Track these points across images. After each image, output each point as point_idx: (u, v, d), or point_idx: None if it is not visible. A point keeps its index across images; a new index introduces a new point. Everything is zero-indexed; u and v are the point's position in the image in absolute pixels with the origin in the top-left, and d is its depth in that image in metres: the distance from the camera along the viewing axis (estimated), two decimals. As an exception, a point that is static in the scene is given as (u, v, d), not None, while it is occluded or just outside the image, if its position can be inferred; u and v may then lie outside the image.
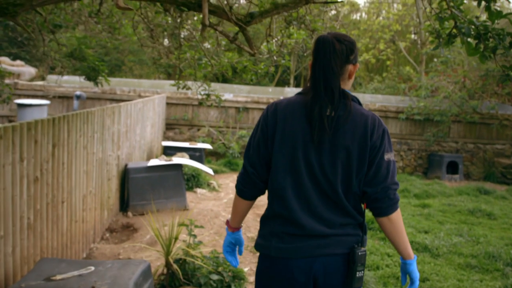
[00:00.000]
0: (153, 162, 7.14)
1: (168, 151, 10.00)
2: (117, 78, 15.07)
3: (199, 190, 8.68)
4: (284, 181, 2.20)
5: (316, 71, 2.17)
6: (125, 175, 7.05)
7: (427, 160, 13.70)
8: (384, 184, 2.19)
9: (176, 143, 10.51)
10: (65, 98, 13.33)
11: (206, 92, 4.81)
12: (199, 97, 4.90)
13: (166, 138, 13.11)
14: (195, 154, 9.97)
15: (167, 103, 13.33)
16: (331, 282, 2.18)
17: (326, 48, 2.15)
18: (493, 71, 11.69)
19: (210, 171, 7.36)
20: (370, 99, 14.06)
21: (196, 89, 4.78)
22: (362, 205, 2.28)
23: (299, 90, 2.63)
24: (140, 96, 12.98)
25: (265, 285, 2.29)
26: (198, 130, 13.47)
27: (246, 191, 2.37)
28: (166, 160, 7.20)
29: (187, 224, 4.28)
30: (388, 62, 23.46)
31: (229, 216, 2.87)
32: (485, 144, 13.97)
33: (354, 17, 26.70)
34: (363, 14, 27.27)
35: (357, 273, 2.16)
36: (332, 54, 2.14)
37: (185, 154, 9.62)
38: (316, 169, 2.17)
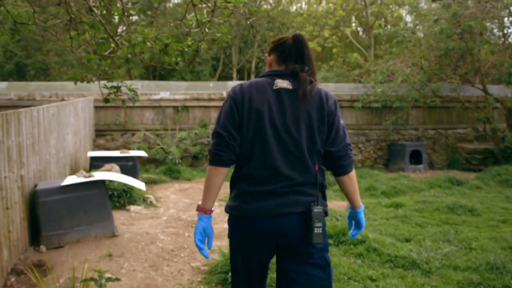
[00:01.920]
0: (69, 180, 5.79)
1: (96, 163, 8.60)
2: (36, 82, 13.45)
3: (133, 208, 7.36)
4: (251, 145, 2.44)
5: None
6: (34, 199, 5.66)
7: (388, 150, 12.82)
8: (344, 143, 2.52)
9: (105, 152, 9.11)
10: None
11: (115, 85, 3.52)
12: (103, 92, 3.59)
13: (97, 146, 11.66)
14: (127, 164, 8.62)
15: (96, 107, 11.89)
16: (292, 238, 2.41)
17: None
18: (453, 49, 10.87)
19: (141, 186, 6.07)
20: (321, 89, 13.02)
21: (99, 83, 3.51)
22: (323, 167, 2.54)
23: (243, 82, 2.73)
24: (63, 101, 11.45)
25: (237, 243, 2.53)
26: (133, 135, 12.08)
27: (223, 156, 2.43)
28: (85, 176, 5.86)
29: (95, 278, 2.99)
30: (334, 50, 22.62)
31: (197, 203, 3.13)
32: (446, 129, 13.24)
33: (295, 8, 25.76)
34: (303, 5, 26.39)
35: (315, 229, 2.37)
36: None
37: (114, 165, 8.25)
38: (282, 131, 2.43)
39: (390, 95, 11.98)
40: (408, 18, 23.08)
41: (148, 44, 3.10)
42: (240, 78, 23.66)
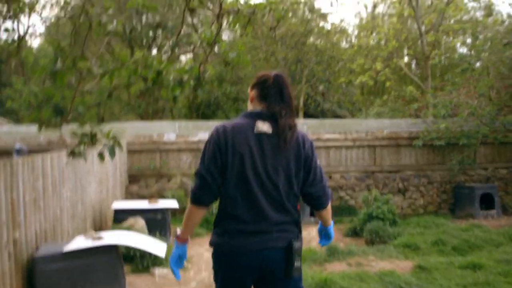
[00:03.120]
0: (74, 244, 4.86)
1: (119, 216, 7.71)
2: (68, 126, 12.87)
3: (158, 271, 6.37)
4: (235, 188, 2.68)
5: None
6: (32, 267, 4.76)
7: (453, 194, 11.44)
8: (321, 183, 2.83)
9: (130, 203, 8.22)
10: (4, 152, 11.09)
11: (88, 130, 2.59)
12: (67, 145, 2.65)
13: (130, 194, 10.84)
14: (155, 217, 7.69)
15: (129, 151, 11.11)
16: (274, 271, 2.70)
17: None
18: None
19: (160, 252, 5.05)
20: (376, 125, 11.88)
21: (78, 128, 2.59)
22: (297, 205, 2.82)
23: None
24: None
25: (224, 274, 2.77)
26: (169, 181, 11.22)
27: (203, 196, 2.69)
28: (94, 239, 4.92)
29: None
30: (387, 83, 21.40)
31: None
32: (520, 168, 11.77)
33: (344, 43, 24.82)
34: (353, 38, 25.43)
35: (295, 263, 2.68)
36: None
37: (139, 219, 7.34)
38: (263, 175, 2.67)
39: (455, 131, 10.69)
40: (462, 50, 21.74)
41: (127, 72, 2.13)
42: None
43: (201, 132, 11.51)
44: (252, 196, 2.67)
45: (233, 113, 20.59)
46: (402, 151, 11.64)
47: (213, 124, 12.39)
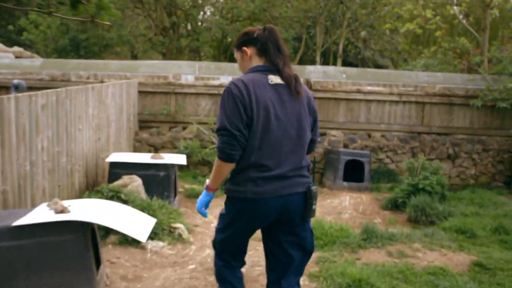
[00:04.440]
0: (29, 217, 3.70)
1: (115, 171, 6.56)
2: (76, 60, 11.71)
3: (151, 244, 5.26)
4: (261, 138, 2.78)
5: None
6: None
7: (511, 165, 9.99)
8: (318, 131, 3.15)
9: (130, 156, 7.04)
10: (2, 88, 10.04)
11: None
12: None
13: (139, 142, 9.70)
14: (158, 174, 6.52)
15: (140, 92, 9.90)
16: (293, 214, 2.91)
17: None
18: None
19: (140, 236, 3.81)
20: (426, 79, 10.35)
21: None
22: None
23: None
24: (102, 83, 9.53)
25: (243, 220, 2.95)
26: (184, 128, 10.02)
27: (235, 154, 2.76)
28: (57, 211, 3.74)
29: None
30: (437, 33, 19.48)
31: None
32: None
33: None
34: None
35: (312, 206, 2.91)
36: None
37: (135, 177, 6.18)
38: (285, 123, 2.84)
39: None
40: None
41: None
42: (325, 62, 21.15)
43: (224, 75, 10.20)
44: (276, 144, 2.80)
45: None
46: (456, 110, 10.15)
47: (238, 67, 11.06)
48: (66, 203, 4.03)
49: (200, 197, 3.04)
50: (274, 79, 2.85)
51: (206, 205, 3.05)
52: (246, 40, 2.94)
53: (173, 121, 10.07)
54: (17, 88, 9.60)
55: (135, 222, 3.97)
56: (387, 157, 9.94)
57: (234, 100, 2.72)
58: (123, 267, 4.80)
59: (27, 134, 4.74)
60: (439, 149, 9.95)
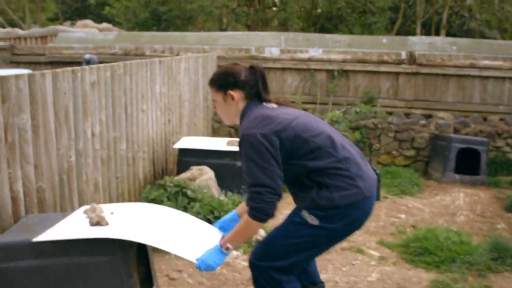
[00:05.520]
0: (53, 232, 2.85)
1: (185, 159, 5.71)
2: (151, 33, 11.04)
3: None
4: (341, 151, 2.55)
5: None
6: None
7: None
8: None
9: (202, 141, 6.14)
10: (74, 63, 9.50)
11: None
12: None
13: (218, 122, 8.85)
14: (234, 163, 5.57)
15: (219, 67, 9.00)
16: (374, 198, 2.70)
17: None
18: None
19: (192, 256, 2.83)
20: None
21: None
22: None
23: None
24: (178, 56, 8.73)
25: (350, 230, 2.62)
26: (268, 108, 9.04)
27: (272, 215, 2.47)
28: (92, 222, 2.86)
29: None
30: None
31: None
32: None
33: None
34: None
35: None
36: None
37: (206, 169, 5.29)
38: (340, 138, 2.65)
39: None
40: None
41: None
42: (426, 33, 19.36)
43: (314, 47, 9.08)
44: (349, 151, 2.61)
45: (359, 28, 17.71)
46: None
47: (330, 38, 9.92)
48: (109, 208, 3.16)
49: (212, 256, 2.57)
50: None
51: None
52: (232, 83, 2.67)
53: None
54: (89, 63, 9.06)
55: (193, 238, 3.01)
56: (507, 144, 8.43)
57: (272, 150, 2.51)
58: (184, 285, 3.92)
59: (71, 118, 3.92)
60: None
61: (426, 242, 4.68)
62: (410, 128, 8.52)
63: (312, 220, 2.54)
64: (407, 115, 8.75)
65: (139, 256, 3.48)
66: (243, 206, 2.98)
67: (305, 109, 8.92)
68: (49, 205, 3.67)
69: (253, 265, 2.69)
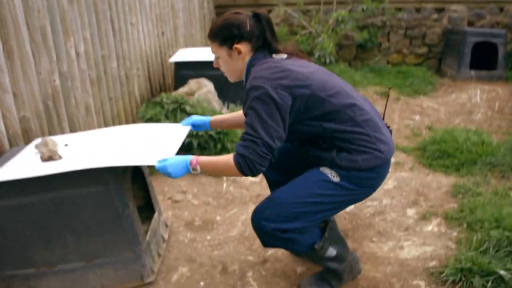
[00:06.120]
0: (18, 166, 2.60)
1: (182, 72, 5.39)
2: None
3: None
4: (359, 111, 2.29)
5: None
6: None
7: None
8: None
9: (199, 53, 5.78)
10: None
11: None
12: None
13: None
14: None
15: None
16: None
17: None
18: None
19: (150, 160, 2.46)
20: None
21: None
22: None
23: None
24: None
25: (370, 189, 2.39)
26: (269, 12, 8.56)
27: (257, 173, 2.19)
28: (44, 157, 2.58)
29: None
30: None
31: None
32: None
33: None
34: None
35: None
36: None
37: (203, 81, 4.98)
38: (358, 96, 2.39)
39: None
40: None
41: None
42: None
43: None
44: (361, 107, 2.32)
45: None
46: None
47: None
48: (63, 139, 2.91)
49: (176, 166, 2.29)
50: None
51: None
52: (238, 35, 2.34)
53: (255, 3, 8.63)
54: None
55: (154, 144, 2.74)
56: (526, 34, 8.00)
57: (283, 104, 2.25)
58: (189, 207, 3.73)
59: (49, 39, 3.58)
60: None
61: (444, 144, 4.43)
62: (421, 24, 8.07)
63: (334, 177, 2.29)
64: (418, 10, 8.25)
65: (137, 181, 3.27)
66: (218, 118, 2.86)
67: (308, 10, 8.53)
68: (36, 135, 3.42)
69: (258, 225, 2.36)
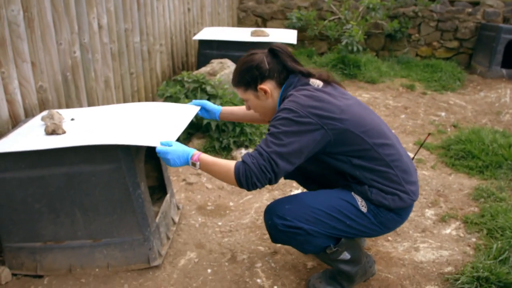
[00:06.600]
0: (26, 139, 2.57)
1: (206, 51, 5.32)
2: None
3: (242, 154, 4.08)
4: (389, 151, 2.27)
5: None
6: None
7: None
8: None
9: (224, 32, 5.69)
10: None
11: None
12: None
13: (244, 10, 8.31)
14: (258, 57, 5.16)
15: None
16: None
17: None
18: None
19: (153, 143, 2.44)
20: None
21: None
22: None
23: None
24: None
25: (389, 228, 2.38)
26: (298, -5, 8.42)
27: (250, 188, 2.13)
28: (48, 130, 2.55)
29: None
30: None
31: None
32: None
33: None
34: None
35: None
36: None
37: (226, 62, 4.90)
38: (389, 132, 2.37)
39: None
40: None
41: None
42: None
43: None
44: (391, 145, 2.30)
45: None
46: None
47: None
48: (70, 114, 2.87)
49: (177, 155, 2.24)
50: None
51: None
52: (258, 75, 2.31)
53: (284, -14, 8.48)
54: None
55: (165, 125, 2.68)
56: (563, 34, 7.76)
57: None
58: (202, 190, 3.68)
59: (72, 9, 3.53)
60: None
61: (470, 144, 4.31)
62: (454, 17, 7.87)
63: (362, 206, 2.27)
64: (452, 2, 8.04)
65: (151, 161, 3.23)
66: (227, 109, 2.88)
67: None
68: (53, 106, 3.38)
69: (271, 220, 2.29)
